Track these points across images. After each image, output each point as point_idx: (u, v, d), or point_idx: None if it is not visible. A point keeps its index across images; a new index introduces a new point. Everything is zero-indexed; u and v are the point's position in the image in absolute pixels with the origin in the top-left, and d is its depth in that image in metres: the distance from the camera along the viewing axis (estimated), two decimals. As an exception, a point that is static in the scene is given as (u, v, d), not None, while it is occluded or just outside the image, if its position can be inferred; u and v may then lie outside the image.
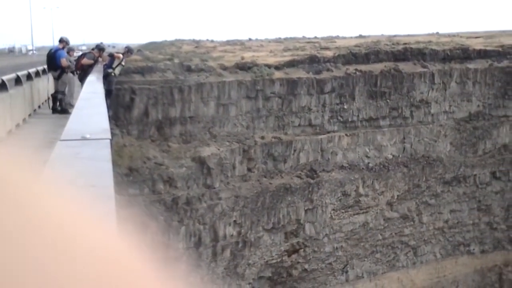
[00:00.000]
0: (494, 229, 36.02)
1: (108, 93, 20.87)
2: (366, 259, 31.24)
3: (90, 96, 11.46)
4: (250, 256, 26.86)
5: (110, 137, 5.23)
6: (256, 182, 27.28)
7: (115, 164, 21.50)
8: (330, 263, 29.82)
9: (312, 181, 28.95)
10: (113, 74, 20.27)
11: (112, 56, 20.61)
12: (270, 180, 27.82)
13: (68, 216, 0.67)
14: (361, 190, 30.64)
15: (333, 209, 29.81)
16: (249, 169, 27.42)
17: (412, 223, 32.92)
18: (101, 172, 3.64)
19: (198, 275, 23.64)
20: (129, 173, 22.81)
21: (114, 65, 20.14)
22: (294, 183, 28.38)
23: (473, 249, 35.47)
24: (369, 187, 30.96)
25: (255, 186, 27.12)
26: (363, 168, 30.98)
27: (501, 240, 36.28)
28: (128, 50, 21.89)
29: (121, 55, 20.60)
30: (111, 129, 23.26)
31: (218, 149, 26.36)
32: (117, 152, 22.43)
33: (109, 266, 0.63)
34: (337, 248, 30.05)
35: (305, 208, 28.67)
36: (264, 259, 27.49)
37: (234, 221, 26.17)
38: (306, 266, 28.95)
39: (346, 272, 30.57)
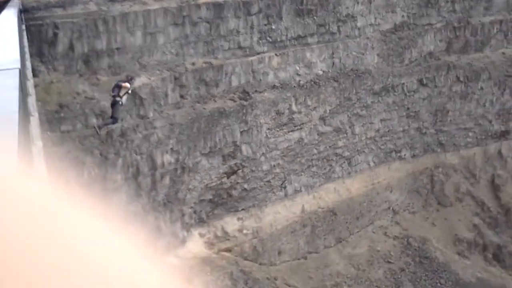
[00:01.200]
0: (423, 134, 37.75)
1: (113, 120, 21.52)
2: (303, 173, 32.39)
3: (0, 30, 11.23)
4: (189, 181, 27.45)
5: (19, 66, 5.27)
6: (190, 109, 27.51)
7: (43, 101, 21.34)
8: (268, 181, 30.82)
9: (245, 103, 29.38)
10: (120, 103, 20.81)
11: (119, 87, 20.79)
12: (204, 105, 28.09)
13: None
14: (294, 108, 31.34)
15: (268, 129, 30.50)
16: (181, 96, 27.55)
17: (345, 135, 34.09)
18: (6, 99, 3.77)
19: (138, 204, 24.16)
20: (60, 110, 22.61)
21: (121, 94, 20.82)
22: (228, 106, 28.75)
23: (405, 155, 37.19)
24: (301, 104, 31.68)
25: (189, 113, 27.37)
26: (294, 86, 31.55)
27: (430, 144, 38.14)
28: (132, 78, 22.41)
29: (128, 84, 21.09)
30: (37, 66, 22.77)
31: (149, 79, 26.29)
32: (45, 90, 22.17)
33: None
34: (274, 165, 31.00)
35: (241, 130, 29.22)
36: (204, 182, 28.16)
37: (171, 148, 26.50)
38: (246, 186, 29.86)
39: (285, 187, 31.69)
